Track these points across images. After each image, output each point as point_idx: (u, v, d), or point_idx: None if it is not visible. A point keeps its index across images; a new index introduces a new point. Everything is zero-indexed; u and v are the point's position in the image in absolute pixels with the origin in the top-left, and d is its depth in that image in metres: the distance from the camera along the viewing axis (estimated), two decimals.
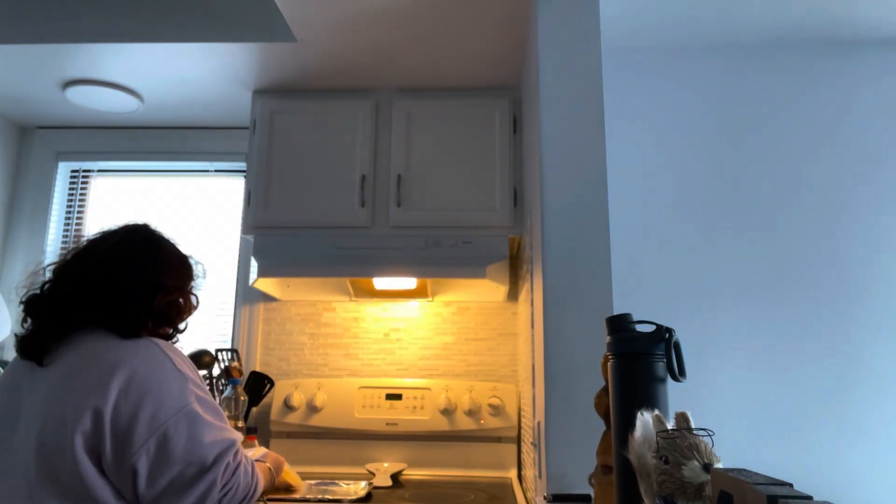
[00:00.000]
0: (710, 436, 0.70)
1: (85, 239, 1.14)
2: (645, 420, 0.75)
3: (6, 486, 0.96)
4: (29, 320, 1.08)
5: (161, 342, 1.05)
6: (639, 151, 2.17)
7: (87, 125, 2.48)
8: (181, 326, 1.16)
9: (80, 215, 2.49)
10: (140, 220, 1.19)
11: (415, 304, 2.26)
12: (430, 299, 2.23)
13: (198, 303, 1.20)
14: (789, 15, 2.04)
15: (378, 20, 1.72)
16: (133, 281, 1.07)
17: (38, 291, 1.10)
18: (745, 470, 0.61)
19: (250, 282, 2.02)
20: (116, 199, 2.49)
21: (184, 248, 1.22)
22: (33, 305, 1.08)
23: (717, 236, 2.11)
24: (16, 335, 1.08)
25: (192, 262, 1.21)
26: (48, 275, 1.11)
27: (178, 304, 1.14)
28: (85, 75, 2.07)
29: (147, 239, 1.15)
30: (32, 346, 1.04)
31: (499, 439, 2.07)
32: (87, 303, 1.05)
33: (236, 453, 1.04)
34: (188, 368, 1.05)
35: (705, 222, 2.12)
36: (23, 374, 1.05)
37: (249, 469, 1.07)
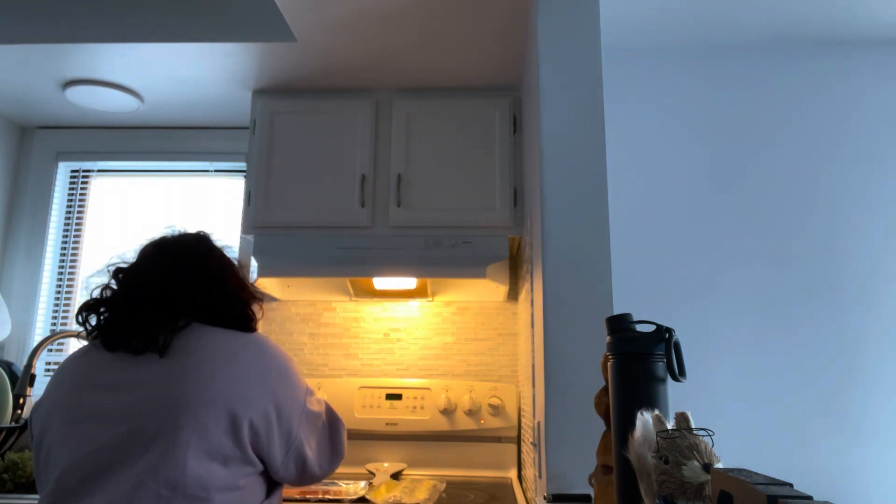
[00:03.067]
0: (710, 436, 0.70)
1: (147, 243, 1.15)
2: (645, 420, 0.75)
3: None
4: (101, 313, 1.05)
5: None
6: (639, 151, 2.17)
7: (87, 125, 2.48)
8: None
9: (80, 215, 2.49)
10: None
11: (415, 304, 2.26)
12: (430, 299, 2.22)
13: None
14: (791, 15, 2.04)
15: (378, 20, 1.72)
16: (241, 281, 1.21)
17: (115, 286, 1.08)
18: (745, 470, 0.61)
19: (250, 281, 2.02)
20: (116, 199, 2.49)
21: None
22: (121, 298, 1.07)
23: (718, 236, 2.11)
24: (93, 327, 1.05)
25: None
26: (105, 276, 1.11)
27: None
28: (85, 75, 2.07)
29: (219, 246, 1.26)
30: (132, 334, 1.00)
31: (499, 439, 2.07)
32: (203, 300, 1.09)
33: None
34: None
35: (706, 222, 2.12)
36: (107, 365, 1.01)
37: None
